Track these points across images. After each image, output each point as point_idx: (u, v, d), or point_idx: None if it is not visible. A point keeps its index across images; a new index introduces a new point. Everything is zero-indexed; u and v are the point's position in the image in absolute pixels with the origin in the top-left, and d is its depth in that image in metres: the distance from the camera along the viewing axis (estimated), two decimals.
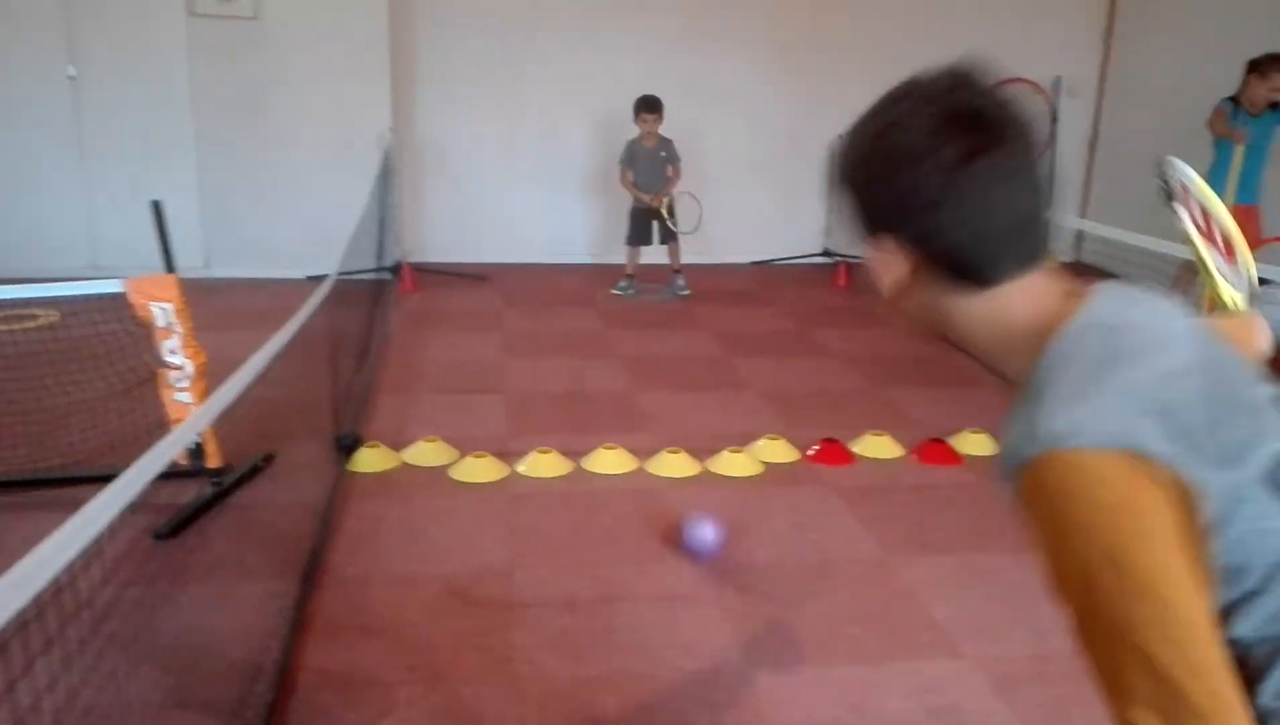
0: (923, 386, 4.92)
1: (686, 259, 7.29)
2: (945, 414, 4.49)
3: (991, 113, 1.01)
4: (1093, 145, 7.96)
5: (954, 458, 3.97)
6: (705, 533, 3.13)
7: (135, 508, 1.75)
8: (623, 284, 6.54)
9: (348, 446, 3.80)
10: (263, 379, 4.77)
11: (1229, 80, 6.49)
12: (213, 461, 3.39)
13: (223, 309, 5.96)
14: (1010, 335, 1.02)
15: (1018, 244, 1.00)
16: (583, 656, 2.59)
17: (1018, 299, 1.01)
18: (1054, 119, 7.82)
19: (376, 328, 5.61)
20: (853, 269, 7.27)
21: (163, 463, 1.72)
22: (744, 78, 7.37)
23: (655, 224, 6.47)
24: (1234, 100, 5.40)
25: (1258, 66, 5.28)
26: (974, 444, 4.07)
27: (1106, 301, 0.99)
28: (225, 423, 3.45)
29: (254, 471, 3.59)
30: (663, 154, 6.48)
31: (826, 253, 7.73)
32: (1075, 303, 0.99)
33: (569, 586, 2.93)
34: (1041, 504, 0.89)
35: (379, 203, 6.39)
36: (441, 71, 7.05)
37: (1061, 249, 8.00)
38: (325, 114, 6.65)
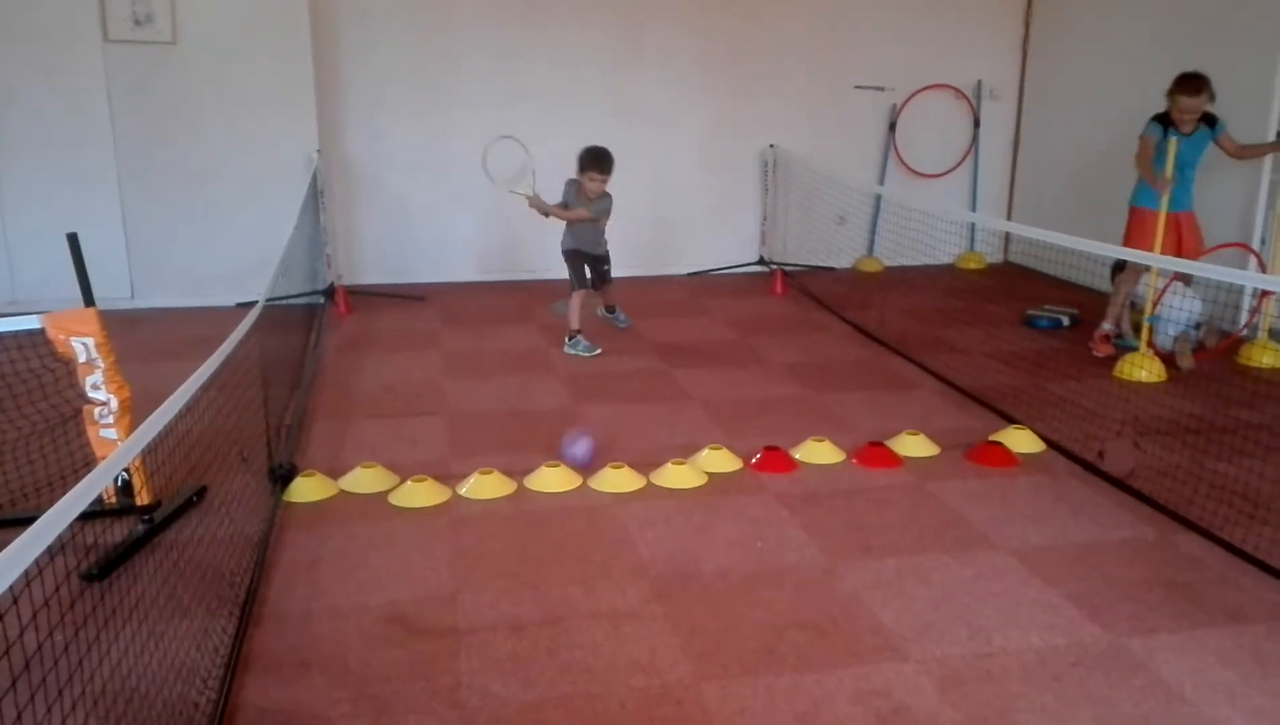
0: (860, 391, 4.97)
1: (622, 272, 7.28)
2: (883, 417, 4.55)
3: None
4: (1015, 147, 8.15)
5: (893, 460, 4.02)
6: (579, 448, 3.86)
7: (60, 549, 1.69)
8: (583, 344, 5.57)
9: (283, 476, 3.72)
10: (192, 410, 4.68)
11: (1142, 80, 6.69)
12: (142, 498, 3.29)
13: (150, 340, 5.82)
14: None
15: None
16: (531, 680, 2.56)
17: None
18: (977, 122, 7.99)
19: (309, 353, 5.52)
20: (788, 276, 7.34)
21: (85, 502, 1.66)
22: (671, 91, 7.40)
23: (590, 271, 5.77)
24: (1162, 119, 5.33)
25: (1184, 84, 5.19)
26: (911, 446, 4.12)
27: None
28: (154, 457, 3.36)
29: (186, 506, 3.49)
30: (605, 204, 5.67)
31: (762, 261, 7.79)
32: None
33: (514, 609, 2.90)
34: None
35: (309, 226, 6.30)
36: (368, 92, 6.98)
37: (990, 251, 8.18)
38: (250, 138, 6.54)
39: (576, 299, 5.68)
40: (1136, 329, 5.51)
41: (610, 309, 6.11)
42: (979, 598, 2.99)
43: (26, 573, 1.52)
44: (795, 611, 2.89)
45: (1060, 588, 3.04)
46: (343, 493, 3.71)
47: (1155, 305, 5.35)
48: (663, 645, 2.72)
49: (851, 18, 7.59)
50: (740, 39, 7.45)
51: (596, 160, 5.52)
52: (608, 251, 5.86)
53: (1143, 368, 5.17)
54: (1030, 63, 7.95)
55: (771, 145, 7.60)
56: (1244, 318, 5.68)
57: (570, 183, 5.72)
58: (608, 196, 5.66)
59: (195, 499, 3.55)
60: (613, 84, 7.29)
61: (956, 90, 7.91)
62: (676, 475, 3.79)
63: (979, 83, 7.93)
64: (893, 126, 7.85)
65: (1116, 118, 6.92)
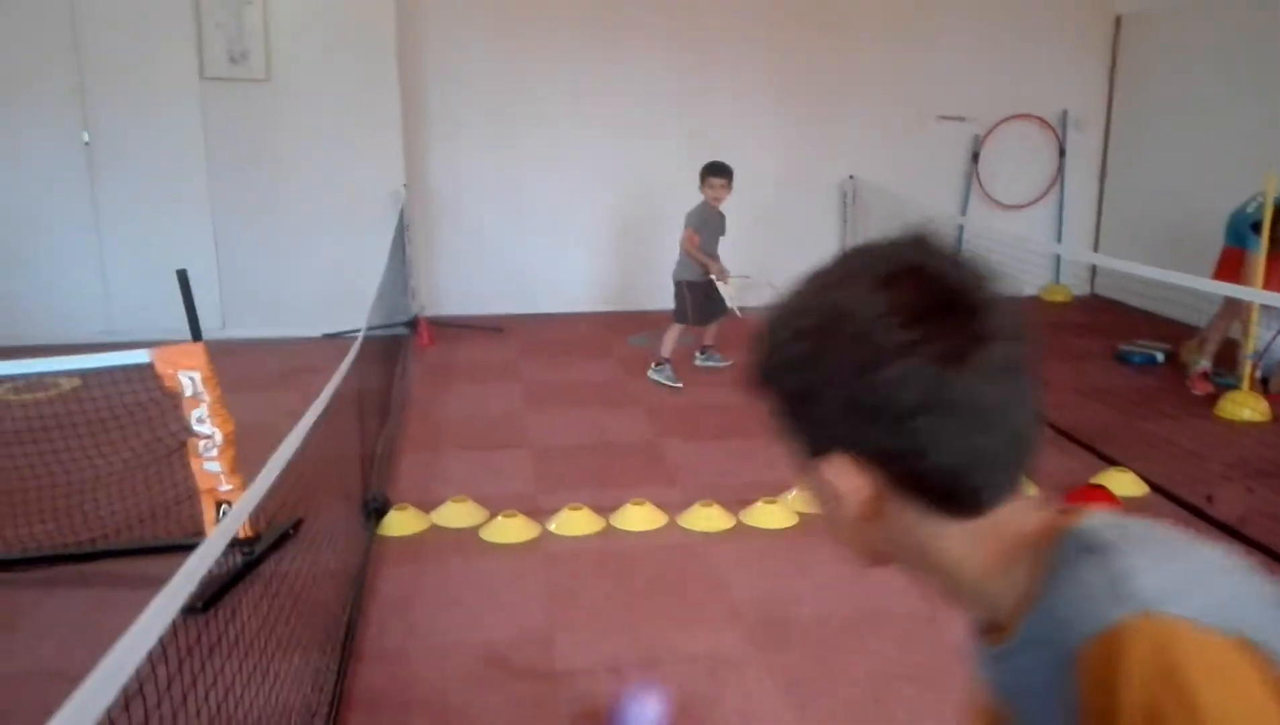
0: None
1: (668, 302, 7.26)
2: None
3: (975, 294, 0.77)
4: (1102, 177, 7.97)
5: None
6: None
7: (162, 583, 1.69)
8: (669, 372, 5.58)
9: (376, 509, 3.75)
10: (287, 441, 4.75)
11: (1231, 110, 6.52)
12: (243, 530, 3.34)
13: (242, 371, 5.93)
14: (1000, 555, 0.80)
15: (1012, 460, 0.79)
16: None
17: (1006, 519, 0.80)
18: (1062, 152, 7.84)
19: (396, 384, 5.59)
20: None
21: (216, 553, 1.67)
22: (745, 121, 7.38)
23: (706, 296, 5.70)
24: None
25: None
26: None
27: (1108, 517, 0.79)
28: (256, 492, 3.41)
29: (283, 538, 3.54)
30: (722, 222, 5.83)
31: None
32: (1072, 516, 0.79)
33: (611, 651, 2.87)
34: (1132, 687, 0.66)
35: (396, 257, 6.41)
36: (450, 126, 7.09)
37: (1075, 284, 7.99)
38: (338, 172, 6.68)
39: (675, 331, 5.69)
40: (1230, 365, 5.33)
41: (705, 351, 5.95)
42: None
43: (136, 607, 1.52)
44: (900, 662, 2.82)
45: None
46: (434, 527, 3.73)
47: (1253, 340, 5.17)
48: (762, 692, 2.67)
49: (931, 45, 7.52)
50: (816, 68, 7.42)
51: (714, 169, 5.69)
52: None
53: (1246, 406, 4.98)
54: (1117, 92, 7.78)
55: (851, 176, 7.54)
56: None
57: (700, 207, 5.75)
58: (722, 213, 5.77)
59: (292, 532, 3.60)
60: (686, 113, 7.31)
61: (1041, 120, 7.77)
62: (767, 515, 3.74)
63: (1064, 112, 7.78)
64: (975, 157, 7.74)
65: (1205, 148, 6.76)
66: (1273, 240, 5.22)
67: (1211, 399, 5.18)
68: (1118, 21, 7.69)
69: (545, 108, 7.17)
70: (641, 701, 2.50)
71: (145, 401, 3.42)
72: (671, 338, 5.67)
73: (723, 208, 5.81)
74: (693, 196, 5.87)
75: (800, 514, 3.79)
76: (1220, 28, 6.71)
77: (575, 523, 3.68)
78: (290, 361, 6.18)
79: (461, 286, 7.30)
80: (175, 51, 6.31)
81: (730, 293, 5.64)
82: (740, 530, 3.69)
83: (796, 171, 7.54)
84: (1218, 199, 5.91)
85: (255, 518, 3.41)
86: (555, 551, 3.53)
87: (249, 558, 3.33)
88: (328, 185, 6.69)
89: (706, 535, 3.64)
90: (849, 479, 0.80)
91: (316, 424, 2.78)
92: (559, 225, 7.38)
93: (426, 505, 3.86)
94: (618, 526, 3.70)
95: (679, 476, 4.22)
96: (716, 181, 5.69)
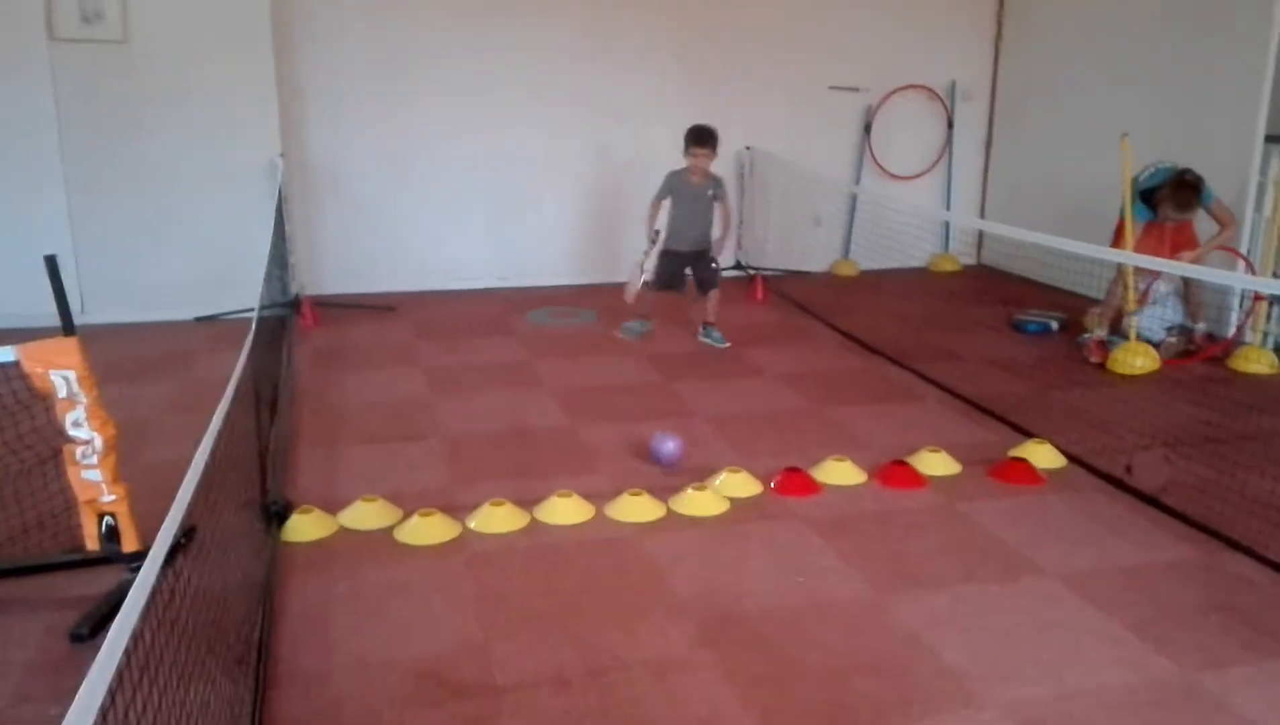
0: (864, 403, 4.83)
1: (592, 278, 7.06)
2: (894, 432, 4.41)
3: None
4: (988, 148, 8.11)
5: (917, 480, 3.87)
6: (668, 447, 3.94)
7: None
8: (633, 325, 5.82)
9: (277, 513, 3.44)
10: (166, 437, 4.37)
11: (1112, 81, 6.70)
12: (130, 544, 3.00)
13: (106, 360, 5.41)
14: None
15: None
16: None
17: None
18: (950, 124, 7.94)
19: (283, 372, 5.21)
20: (767, 281, 7.19)
21: (154, 572, 1.41)
22: (647, 90, 7.20)
23: (689, 270, 5.74)
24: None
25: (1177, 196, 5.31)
26: (934, 464, 3.99)
27: None
28: (138, 498, 3.08)
29: (175, 550, 3.19)
30: (710, 192, 5.68)
31: (739, 266, 7.64)
32: None
33: (554, 659, 2.68)
34: None
35: (274, 233, 5.98)
36: (328, 91, 6.65)
37: (963, 253, 8.13)
38: (207, 142, 6.18)
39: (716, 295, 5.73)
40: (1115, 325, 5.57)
41: (706, 326, 5.80)
42: (1039, 631, 2.85)
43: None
44: (854, 654, 2.72)
45: (1117, 617, 2.92)
46: (343, 529, 3.45)
47: (1138, 302, 5.38)
48: (719, 695, 2.53)
49: (824, 16, 7.47)
50: (712, 38, 7.27)
51: (697, 136, 5.58)
52: (709, 247, 5.74)
53: (1138, 356, 5.20)
54: (1002, 63, 7.91)
55: (748, 147, 7.45)
56: (1233, 323, 5.67)
57: (669, 176, 5.69)
58: (715, 180, 5.69)
59: (184, 541, 3.25)
60: (584, 81, 7.07)
61: (930, 91, 7.84)
62: (698, 502, 3.60)
63: (953, 83, 7.87)
64: (868, 128, 7.75)
65: (1088, 120, 6.93)
66: (1154, 207, 5.40)
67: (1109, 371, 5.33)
68: None
69: (436, 73, 6.80)
70: (664, 438, 3.97)
71: (11, 405, 3.02)
72: (633, 283, 5.71)
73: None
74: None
75: (730, 499, 3.67)
76: (1102, 1, 6.86)
77: (498, 519, 3.46)
78: (160, 348, 5.72)
79: (347, 263, 6.90)
80: (19, 8, 5.70)
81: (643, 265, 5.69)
82: (671, 519, 3.54)
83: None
84: (1100, 170, 6.08)
85: (144, 529, 3.06)
86: (480, 551, 3.31)
87: (136, 574, 2.99)
88: (196, 157, 6.19)
89: (638, 526, 3.48)
90: None
91: (228, 418, 2.49)
92: (453, 198, 7.05)
93: (332, 506, 3.57)
94: (544, 520, 3.50)
95: (601, 463, 4.04)
96: (699, 151, 5.60)
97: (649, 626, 2.85)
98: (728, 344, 5.71)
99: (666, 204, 5.73)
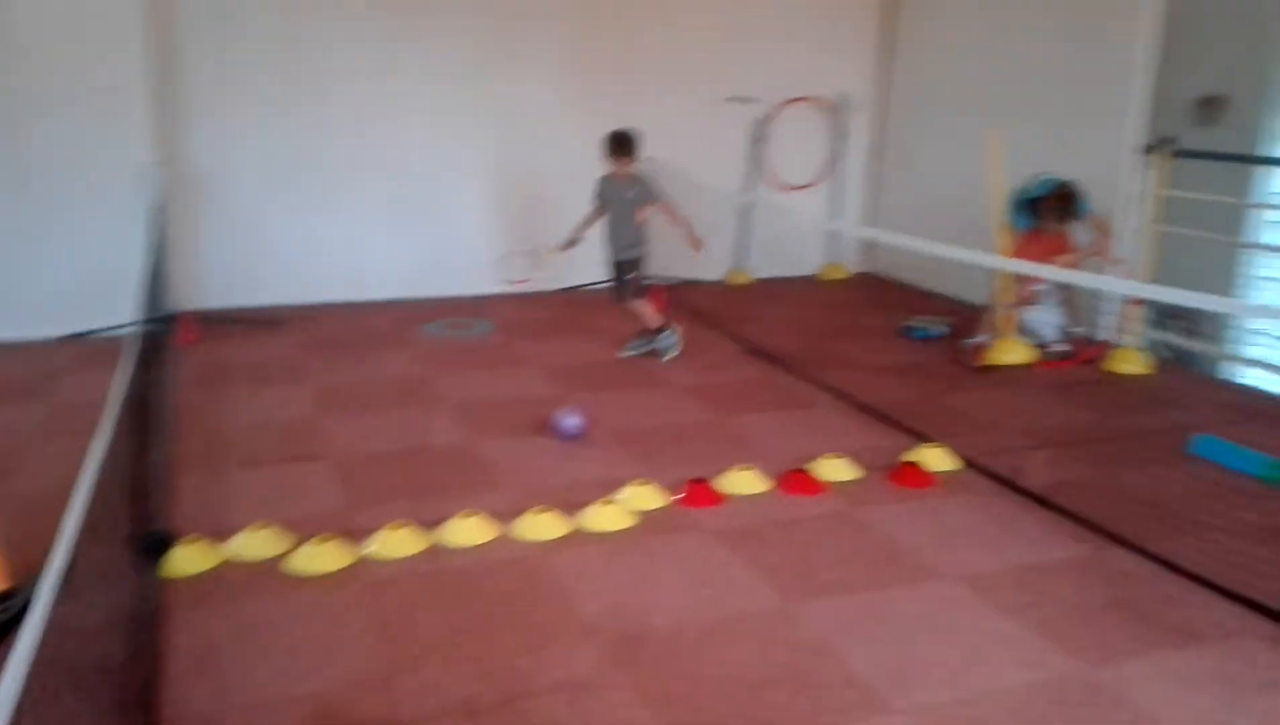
0: (763, 412, 4.86)
1: (482, 288, 6.91)
2: (793, 440, 4.45)
3: None
4: (879, 157, 8.30)
5: (818, 487, 3.91)
6: (569, 422, 4.22)
7: None
8: (668, 341, 5.69)
9: (158, 544, 3.25)
10: (37, 465, 4.10)
11: (993, 93, 6.94)
12: (0, 582, 2.79)
13: None
14: None
15: None
16: None
17: None
18: (841, 135, 8.10)
19: (158, 391, 4.94)
20: (670, 291, 7.19)
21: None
22: (545, 100, 7.13)
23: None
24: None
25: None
26: (833, 470, 4.03)
27: None
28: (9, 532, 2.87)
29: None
30: (631, 194, 5.55)
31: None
32: None
33: (460, 690, 2.59)
34: None
35: (150, 246, 5.70)
36: (212, 97, 6.36)
37: (850, 262, 8.30)
38: (74, 147, 5.81)
39: (637, 305, 5.69)
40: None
41: (649, 335, 5.73)
42: (942, 634, 2.90)
43: None
44: (765, 666, 2.71)
45: (1016, 617, 2.99)
46: (232, 560, 3.27)
47: (1023, 300, 5.61)
48: (635, 720, 2.48)
49: (721, 30, 7.52)
50: (615, 52, 7.25)
51: (614, 143, 5.48)
52: (638, 256, 5.66)
53: (1010, 351, 5.41)
54: (890, 76, 8.12)
55: (650, 157, 7.43)
56: (1107, 327, 5.92)
57: (599, 181, 5.63)
58: (638, 183, 5.58)
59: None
60: (485, 89, 6.94)
61: (821, 102, 7.98)
62: (605, 517, 3.55)
63: (843, 95, 8.03)
64: (762, 139, 7.84)
65: (974, 132, 7.15)
66: (1039, 217, 5.62)
67: (993, 368, 5.50)
68: (890, 7, 8.00)
69: (325, 79, 6.57)
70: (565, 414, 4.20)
71: None
72: (643, 311, 5.69)
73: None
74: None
75: (637, 513, 3.63)
76: (988, 15, 7.10)
77: (398, 543, 3.34)
78: (24, 369, 5.37)
79: (232, 275, 6.60)
80: None
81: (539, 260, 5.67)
82: (578, 536, 3.48)
83: (597, 150, 7.34)
84: (982, 181, 6.27)
85: (10, 563, 2.85)
86: (379, 578, 3.18)
87: (6, 615, 2.78)
88: (60, 164, 5.82)
89: (543, 545, 3.41)
90: None
91: (112, 442, 2.34)
92: (347, 206, 6.82)
93: (218, 535, 3.39)
94: (446, 543, 3.39)
95: (502, 481, 3.95)
96: (615, 160, 5.53)
97: (558, 649, 2.79)
98: (675, 347, 5.73)
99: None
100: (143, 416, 4.29)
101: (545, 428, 4.51)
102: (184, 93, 6.28)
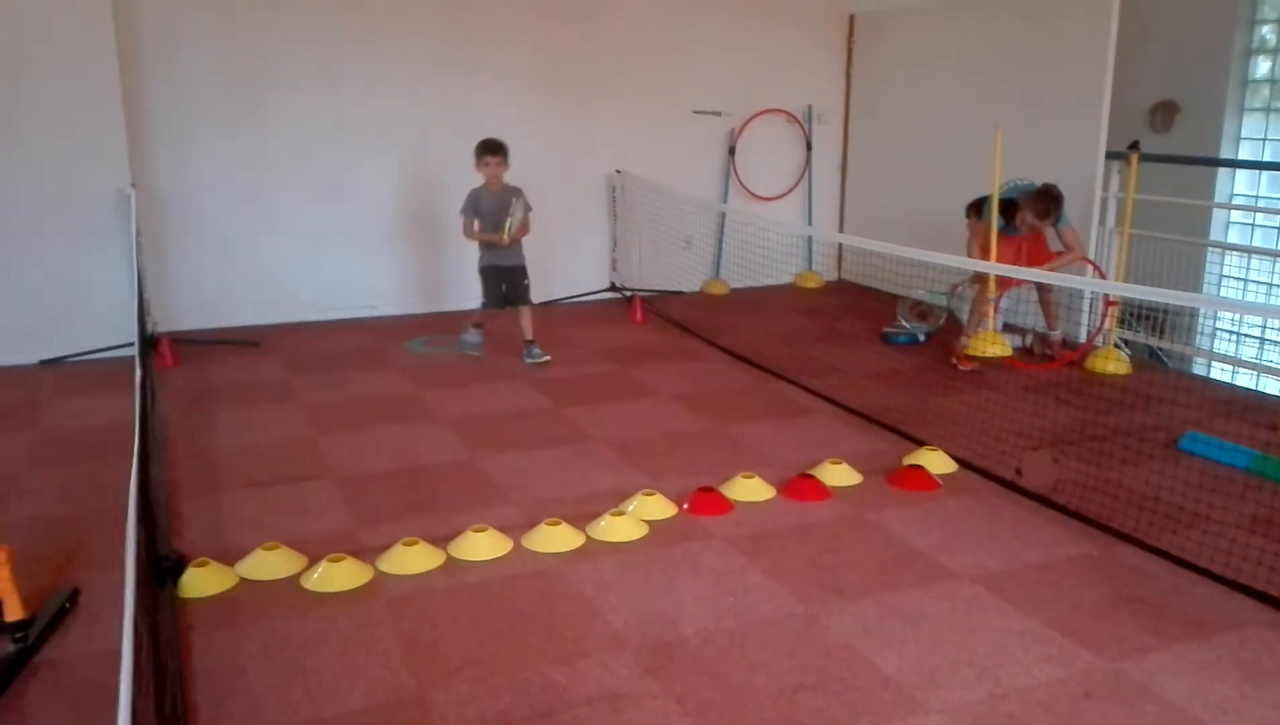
0: (759, 419, 4.89)
1: (464, 304, 6.89)
2: (793, 446, 4.48)
3: None
4: (844, 168, 8.41)
5: (823, 492, 3.94)
6: None
7: None
8: (471, 339, 5.92)
9: (170, 568, 3.18)
10: (30, 493, 4.00)
11: (957, 101, 7.07)
12: (13, 613, 2.71)
13: None
14: None
15: None
16: None
17: None
18: (809, 146, 8.19)
19: (149, 414, 4.84)
20: (647, 302, 7.22)
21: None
22: (511, 116, 7.10)
23: (504, 286, 5.76)
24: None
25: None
26: (836, 475, 4.07)
27: None
28: (14, 557, 2.80)
29: (60, 615, 2.92)
30: (510, 202, 5.64)
31: (613, 287, 7.64)
32: None
33: (497, 704, 2.57)
34: None
35: (126, 268, 5.60)
36: (182, 116, 6.29)
37: (825, 270, 8.39)
38: (50, 170, 5.70)
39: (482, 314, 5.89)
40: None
41: (528, 347, 5.82)
42: (967, 634, 2.93)
43: None
44: (797, 671, 2.73)
45: (1037, 615, 3.04)
46: (245, 581, 3.22)
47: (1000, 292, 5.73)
48: None
49: (685, 41, 7.59)
50: (579, 65, 7.27)
51: (487, 146, 5.61)
52: (524, 264, 5.79)
53: (992, 344, 5.50)
54: (854, 88, 8.23)
55: (618, 171, 7.47)
56: (1086, 327, 6.05)
57: (471, 192, 5.69)
58: (516, 188, 5.69)
59: (69, 604, 2.98)
60: (451, 107, 6.93)
61: (789, 115, 8.08)
62: (617, 528, 3.55)
63: (809, 107, 8.13)
64: (732, 151, 7.91)
65: (935, 140, 7.29)
66: (1009, 219, 5.71)
67: (977, 374, 5.59)
68: (851, 20, 8.12)
69: (294, 98, 6.53)
70: None
71: None
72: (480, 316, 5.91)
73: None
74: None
75: (648, 523, 3.64)
76: (944, 26, 7.24)
77: (412, 559, 3.31)
78: (4, 394, 5.24)
79: (206, 297, 6.51)
80: None
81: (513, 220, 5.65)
82: (592, 547, 3.47)
83: (566, 164, 7.36)
84: (947, 188, 6.41)
85: (26, 594, 2.78)
86: (398, 594, 3.15)
87: (23, 644, 2.71)
88: (36, 186, 5.70)
89: (559, 557, 3.40)
90: None
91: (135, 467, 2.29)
92: (314, 225, 6.77)
93: (229, 557, 3.34)
94: (460, 557, 3.37)
95: (510, 494, 3.93)
96: (490, 160, 5.61)
97: (589, 660, 2.78)
98: (548, 357, 5.79)
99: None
100: (144, 440, 4.21)
101: (544, 441, 4.49)
102: (148, 115, 6.18)
